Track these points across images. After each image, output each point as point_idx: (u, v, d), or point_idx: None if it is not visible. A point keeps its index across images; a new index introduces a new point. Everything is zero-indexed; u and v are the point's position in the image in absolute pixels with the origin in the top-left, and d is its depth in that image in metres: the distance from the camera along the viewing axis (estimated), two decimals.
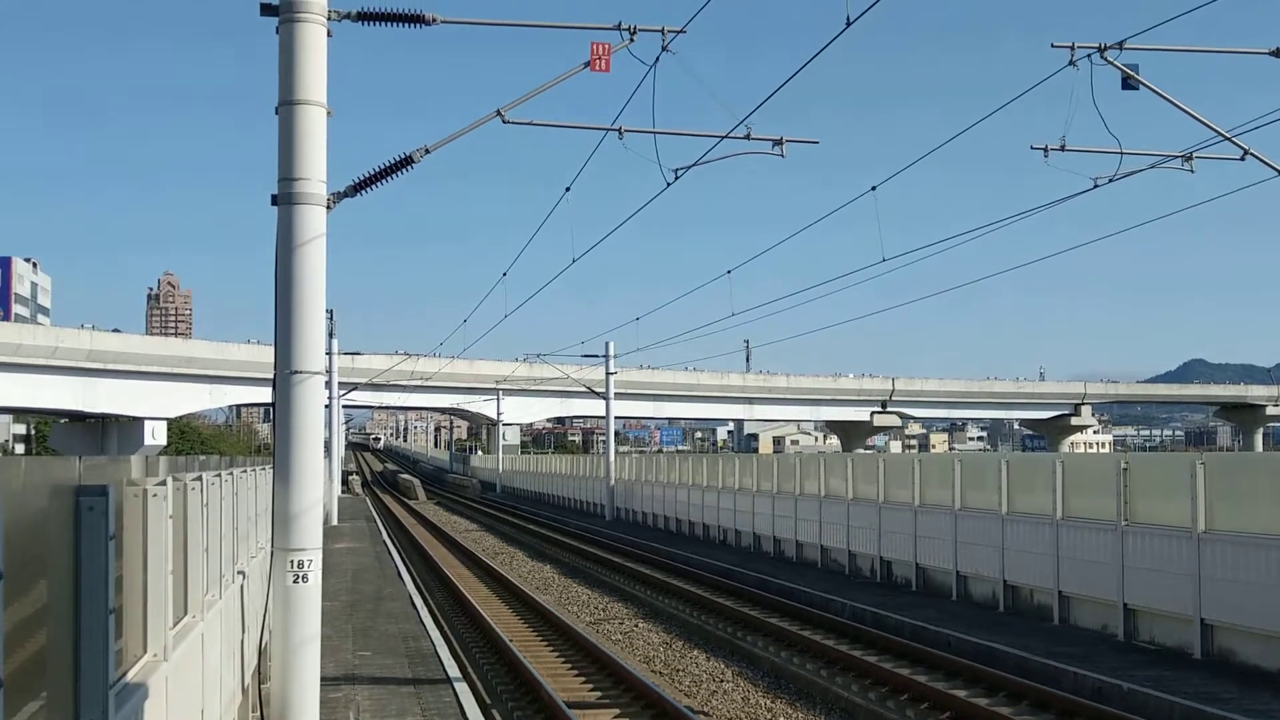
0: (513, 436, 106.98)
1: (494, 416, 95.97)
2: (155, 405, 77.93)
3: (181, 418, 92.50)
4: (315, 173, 10.77)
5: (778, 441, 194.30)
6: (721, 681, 17.54)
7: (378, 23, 11.47)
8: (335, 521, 47.20)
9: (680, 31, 12.86)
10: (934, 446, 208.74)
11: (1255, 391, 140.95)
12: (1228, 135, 17.93)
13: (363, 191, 11.69)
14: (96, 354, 72.80)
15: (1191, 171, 19.54)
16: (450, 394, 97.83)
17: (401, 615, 21.26)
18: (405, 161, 11.82)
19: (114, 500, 4.99)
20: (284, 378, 10.76)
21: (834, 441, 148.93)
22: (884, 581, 26.31)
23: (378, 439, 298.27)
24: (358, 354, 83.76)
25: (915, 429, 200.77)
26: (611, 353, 56.33)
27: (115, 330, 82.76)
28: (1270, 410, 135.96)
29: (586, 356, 60.13)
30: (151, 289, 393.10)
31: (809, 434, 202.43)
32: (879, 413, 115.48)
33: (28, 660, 4.18)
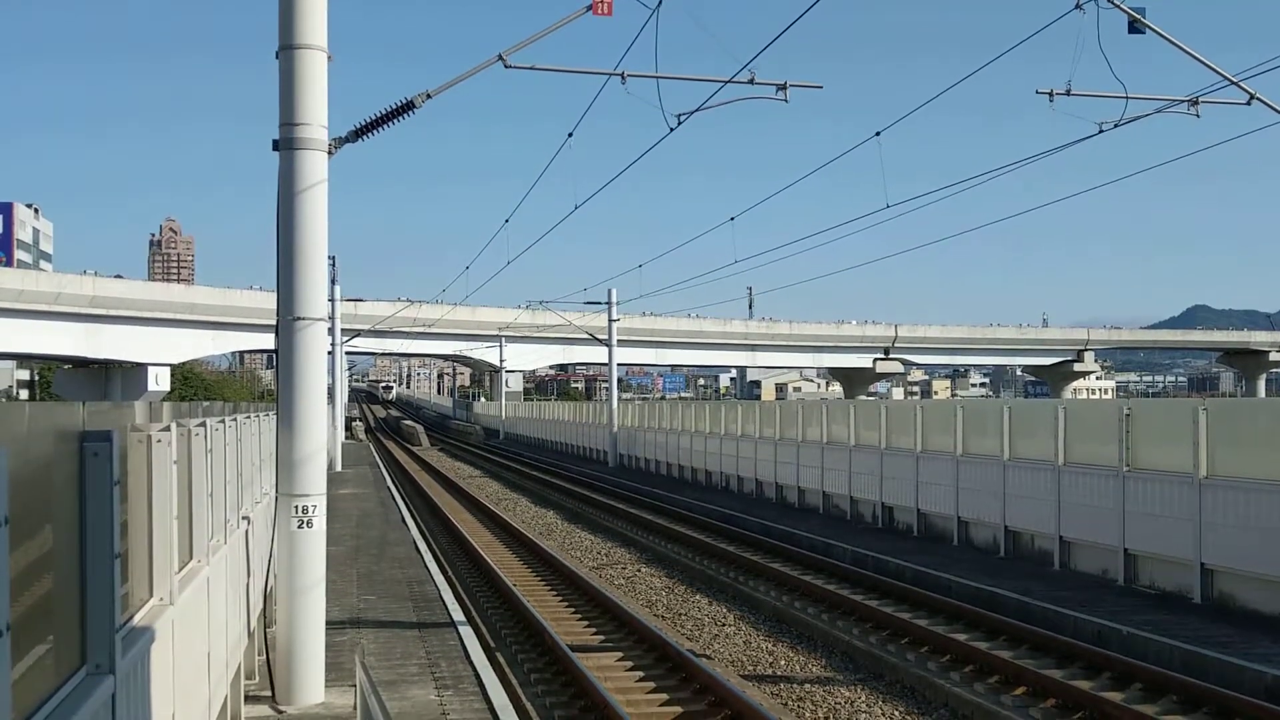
0: (515, 383, 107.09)
1: (497, 363, 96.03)
2: (158, 351, 77.95)
3: (185, 364, 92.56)
4: (316, 118, 10.71)
5: (780, 388, 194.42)
6: (723, 625, 17.67)
7: None
8: (339, 467, 47.42)
9: None
10: (936, 393, 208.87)
11: (1258, 337, 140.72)
12: (1234, 79, 17.79)
13: (364, 137, 11.64)
14: (99, 300, 72.75)
15: (1197, 116, 19.41)
16: (453, 341, 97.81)
17: (406, 560, 21.39)
18: (407, 106, 11.75)
19: (118, 446, 5.00)
20: (286, 324, 10.76)
21: (836, 388, 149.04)
22: (885, 527, 26.44)
23: (389, 388, 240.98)
24: (360, 300, 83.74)
25: (918, 376, 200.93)
26: (614, 299, 56.25)
27: (118, 276, 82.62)
28: (1273, 356, 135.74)
29: (589, 303, 60.08)
30: (154, 235, 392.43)
31: (811, 381, 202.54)
32: (882, 359, 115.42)
33: (34, 605, 4.21)
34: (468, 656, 13.32)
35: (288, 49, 10.61)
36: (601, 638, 16.38)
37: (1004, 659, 13.92)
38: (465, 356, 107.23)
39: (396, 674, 12.45)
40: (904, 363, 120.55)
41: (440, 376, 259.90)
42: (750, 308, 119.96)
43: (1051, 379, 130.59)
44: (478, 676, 12.33)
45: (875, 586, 19.45)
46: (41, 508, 4.34)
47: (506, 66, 13.06)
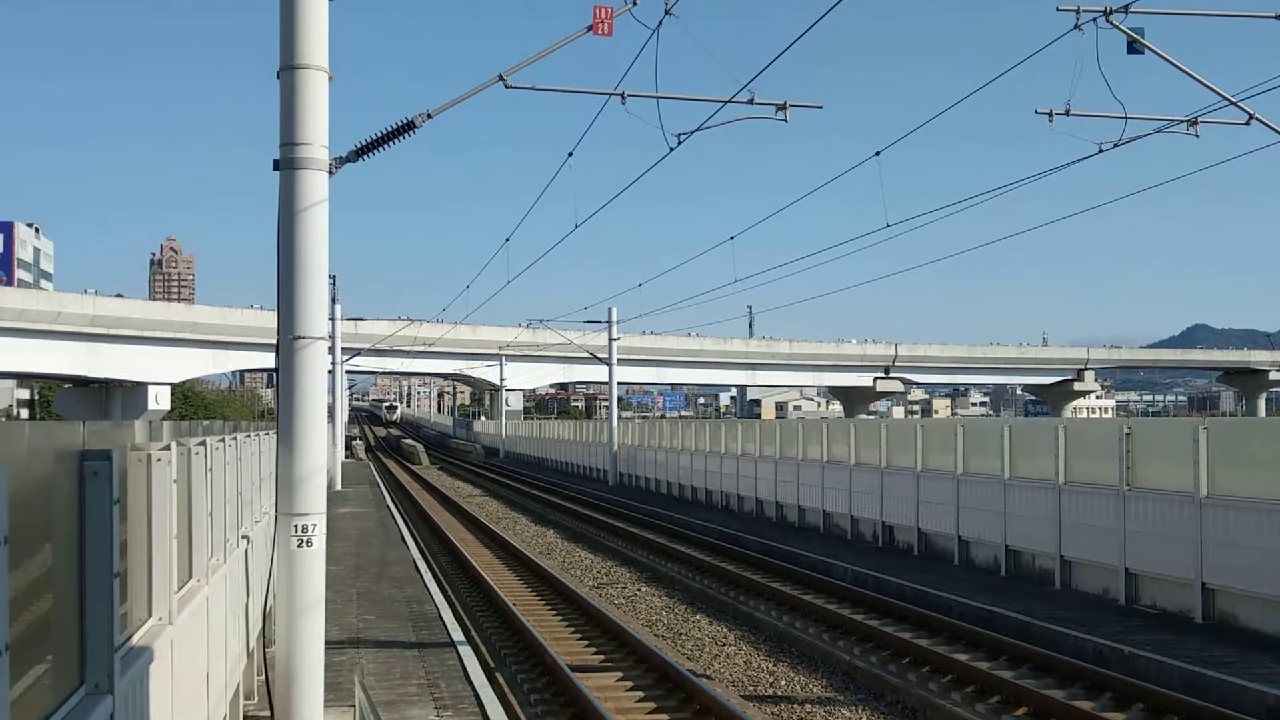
0: (516, 402, 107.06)
1: (497, 382, 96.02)
2: (158, 370, 77.92)
3: (185, 383, 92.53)
4: (317, 138, 10.72)
5: (780, 407, 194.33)
6: (724, 645, 17.63)
7: None
8: (339, 486, 47.35)
9: None
10: (936, 412, 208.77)
11: (1258, 356, 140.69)
12: (1233, 99, 17.83)
13: (365, 157, 11.65)
14: (100, 319, 72.75)
15: (1196, 136, 19.46)
16: (453, 360, 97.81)
17: (405, 579, 21.35)
18: (407, 126, 11.77)
19: (118, 465, 5.00)
20: (287, 343, 10.75)
21: (837, 407, 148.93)
22: (886, 546, 26.39)
23: (393, 407, 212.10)
24: (361, 319, 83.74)
25: (918, 395, 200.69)
26: (614, 318, 56.26)
27: (118, 295, 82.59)
28: (1273, 375, 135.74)
29: (589, 322, 60.10)
30: (154, 254, 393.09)
31: (812, 400, 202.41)
32: (882, 378, 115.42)
33: (33, 625, 4.20)
34: (467, 676, 13.28)
35: (289, 69, 10.63)
36: (602, 657, 16.34)
37: (1005, 679, 13.88)
38: (465, 375, 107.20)
39: (395, 694, 12.42)
40: (904, 381, 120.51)
41: (440, 395, 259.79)
42: (750, 326, 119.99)
43: (1052, 398, 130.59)
44: (477, 697, 12.30)
45: (876, 606, 19.41)
46: (41, 527, 4.34)
47: (507, 87, 13.08)
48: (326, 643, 11.61)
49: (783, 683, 15.23)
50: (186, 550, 7.44)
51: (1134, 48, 17.25)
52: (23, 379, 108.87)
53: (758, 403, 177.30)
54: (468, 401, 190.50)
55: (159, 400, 78.05)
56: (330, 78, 10.79)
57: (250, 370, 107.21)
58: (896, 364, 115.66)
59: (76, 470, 4.75)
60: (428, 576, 21.80)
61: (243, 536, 11.15)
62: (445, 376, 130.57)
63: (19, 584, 3.86)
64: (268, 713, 11.31)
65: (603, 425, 60.92)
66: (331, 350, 49.72)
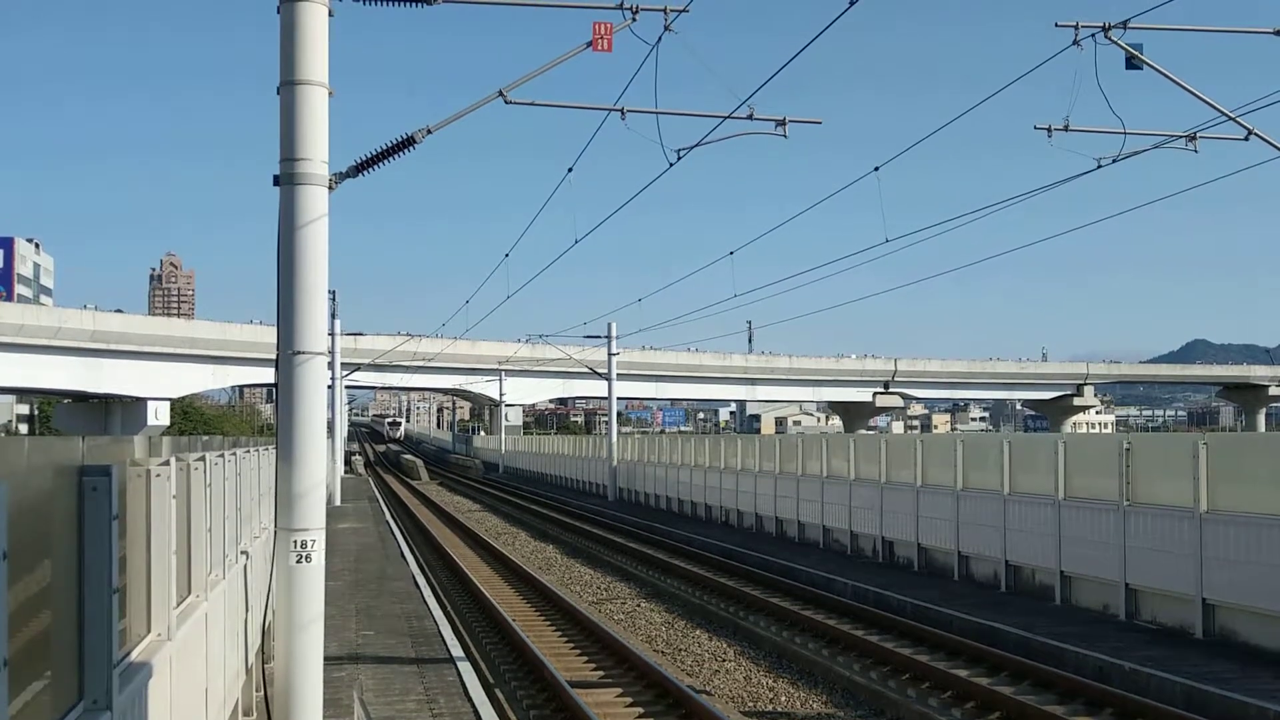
0: (515, 417, 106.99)
1: (496, 397, 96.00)
2: (158, 385, 77.90)
3: (184, 398, 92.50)
4: (317, 153, 10.74)
5: (780, 422, 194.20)
6: (724, 661, 17.59)
7: (380, 2, 11.42)
8: (338, 502, 47.31)
9: (683, 10, 12.81)
10: (936, 427, 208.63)
11: (1258, 372, 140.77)
12: (1231, 115, 17.88)
13: (365, 172, 11.66)
14: (99, 334, 72.76)
15: (1195, 152, 19.49)
16: (453, 375, 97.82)
17: (404, 595, 21.32)
18: (407, 142, 11.78)
19: (117, 480, 5.00)
20: (286, 358, 10.75)
21: (836, 422, 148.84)
22: (886, 562, 26.36)
23: (396, 423, 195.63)
24: (360, 335, 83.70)
25: (917, 410, 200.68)
26: (614, 333, 56.29)
27: (118, 311, 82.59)
28: (1273, 390, 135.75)
29: (589, 337, 60.11)
30: (154, 269, 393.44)
31: (811, 415, 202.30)
32: (881, 393, 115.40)
33: (32, 640, 4.20)
34: (466, 693, 13.26)
35: (288, 85, 10.65)
36: (601, 673, 16.31)
37: (1006, 695, 13.85)
38: (465, 390, 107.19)
39: (394, 710, 12.39)
40: (904, 397, 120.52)
41: (440, 410, 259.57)
42: (750, 341, 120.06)
43: (1051, 413, 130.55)
44: (476, 713, 12.27)
45: (876, 622, 19.37)
46: (40, 542, 4.33)
47: (507, 102, 13.11)
48: (325, 658, 11.59)
49: (783, 698, 15.20)
50: (185, 566, 7.44)
51: (1132, 63, 17.31)
52: (22, 394, 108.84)
53: (757, 418, 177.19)
54: (467, 417, 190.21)
55: (158, 415, 77.99)
56: (330, 93, 10.82)
57: (250, 385, 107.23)
58: (896, 379, 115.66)
59: (76, 486, 4.75)
60: (427, 592, 21.77)
61: (242, 552, 11.14)
62: (445, 392, 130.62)
63: (18, 599, 3.86)
64: None
65: (602, 440, 60.88)
66: (331, 365, 49.73)
